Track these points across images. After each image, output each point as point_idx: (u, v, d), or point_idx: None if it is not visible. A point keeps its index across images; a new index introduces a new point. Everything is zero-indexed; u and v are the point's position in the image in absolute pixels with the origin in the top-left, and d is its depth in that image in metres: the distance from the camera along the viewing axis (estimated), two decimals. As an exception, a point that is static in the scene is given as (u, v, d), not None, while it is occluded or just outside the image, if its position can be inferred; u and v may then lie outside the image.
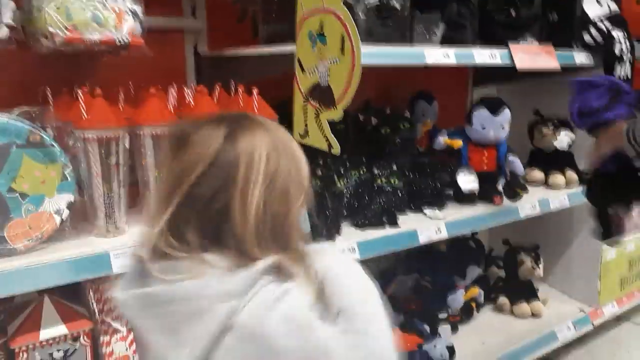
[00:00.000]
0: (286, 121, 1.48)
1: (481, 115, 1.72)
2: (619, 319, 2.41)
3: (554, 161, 1.80)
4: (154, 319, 0.70)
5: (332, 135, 1.32)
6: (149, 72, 1.40)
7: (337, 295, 0.74)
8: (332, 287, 0.74)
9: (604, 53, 1.79)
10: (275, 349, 0.65)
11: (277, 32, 1.53)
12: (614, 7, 1.87)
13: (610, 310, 2.25)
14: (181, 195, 0.69)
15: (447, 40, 1.54)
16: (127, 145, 1.17)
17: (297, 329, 0.66)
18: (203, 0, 1.67)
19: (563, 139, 1.98)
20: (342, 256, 0.82)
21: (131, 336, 1.34)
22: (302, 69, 1.37)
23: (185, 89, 1.29)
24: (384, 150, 1.69)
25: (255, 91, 1.30)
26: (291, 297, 0.69)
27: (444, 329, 1.78)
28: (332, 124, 1.32)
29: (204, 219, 0.70)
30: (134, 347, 1.34)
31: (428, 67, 1.45)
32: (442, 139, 1.77)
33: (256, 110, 1.29)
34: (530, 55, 1.64)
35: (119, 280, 0.77)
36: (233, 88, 1.38)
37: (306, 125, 1.39)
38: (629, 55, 1.86)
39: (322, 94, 1.31)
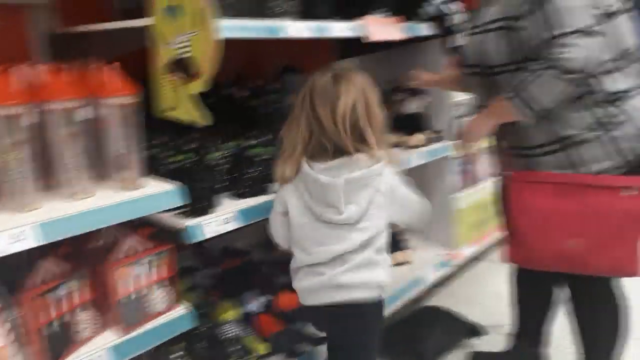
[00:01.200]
0: (152, 95, 1.47)
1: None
2: (475, 259, 2.78)
3: (407, 124, 1.98)
4: (343, 189, 1.28)
5: (200, 107, 1.35)
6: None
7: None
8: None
9: (441, 26, 2.01)
10: (397, 195, 1.35)
11: (133, 5, 1.50)
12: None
13: (467, 251, 2.58)
14: (349, 123, 1.26)
15: (307, 15, 1.62)
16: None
17: (397, 187, 1.35)
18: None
19: (411, 106, 2.21)
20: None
21: (6, 326, 1.26)
22: (163, 42, 1.37)
23: (32, 67, 1.22)
24: (256, 122, 1.75)
25: (111, 66, 1.27)
26: (394, 174, 1.36)
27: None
28: (203, 97, 1.35)
29: (357, 133, 1.28)
30: (11, 337, 1.27)
31: (296, 41, 1.53)
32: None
33: (113, 85, 1.26)
34: (380, 28, 1.80)
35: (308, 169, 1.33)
36: (89, 65, 1.33)
37: (173, 98, 1.40)
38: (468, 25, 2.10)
39: (184, 66, 1.33)
